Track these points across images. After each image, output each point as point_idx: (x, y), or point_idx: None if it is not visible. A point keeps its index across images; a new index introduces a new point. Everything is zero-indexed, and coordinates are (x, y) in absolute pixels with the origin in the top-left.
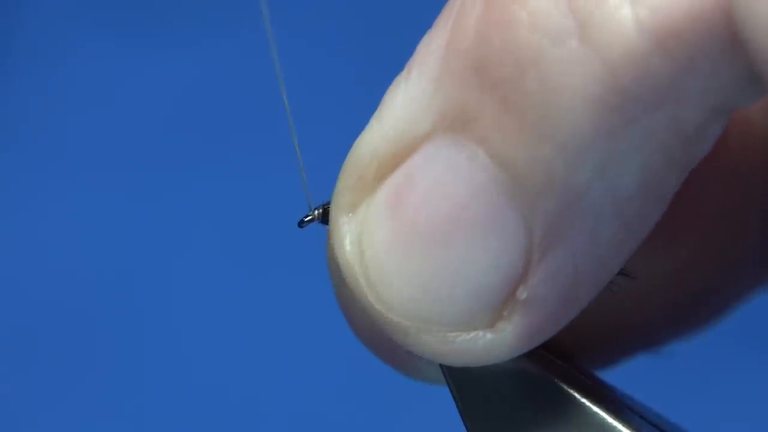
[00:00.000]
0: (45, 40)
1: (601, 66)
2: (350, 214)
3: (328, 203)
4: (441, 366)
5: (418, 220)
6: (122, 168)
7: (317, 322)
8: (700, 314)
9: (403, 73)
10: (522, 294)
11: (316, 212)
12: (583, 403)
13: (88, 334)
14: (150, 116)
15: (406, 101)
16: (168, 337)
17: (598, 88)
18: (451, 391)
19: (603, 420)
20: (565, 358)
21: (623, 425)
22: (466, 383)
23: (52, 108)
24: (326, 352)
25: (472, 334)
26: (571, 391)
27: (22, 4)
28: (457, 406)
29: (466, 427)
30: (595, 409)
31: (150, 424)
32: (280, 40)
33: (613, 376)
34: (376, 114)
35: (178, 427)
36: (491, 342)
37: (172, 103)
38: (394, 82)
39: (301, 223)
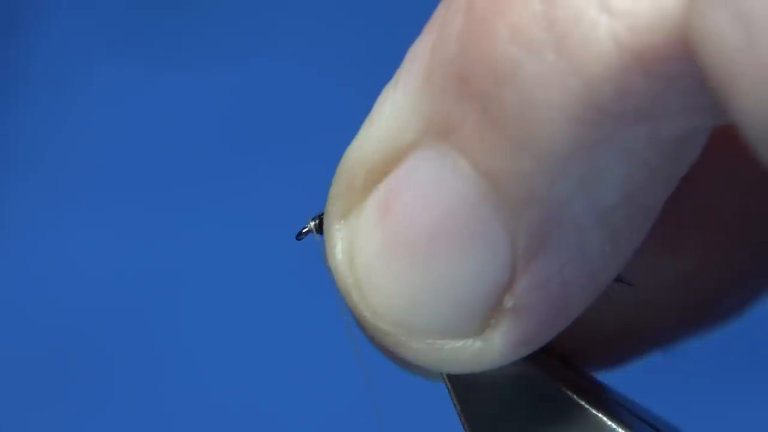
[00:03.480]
0: (60, 63)
1: (578, 81)
2: (342, 222)
3: (323, 213)
4: None
5: (404, 229)
6: (134, 186)
7: (328, 330)
8: (707, 318)
9: (391, 83)
10: (508, 302)
11: (312, 223)
12: (582, 406)
13: (95, 345)
14: (162, 136)
15: (393, 111)
16: (178, 349)
17: (575, 103)
18: (450, 393)
19: (602, 422)
20: (564, 361)
21: (622, 428)
22: (465, 386)
23: (67, 130)
24: (333, 358)
25: (461, 342)
26: (570, 394)
27: (36, 25)
28: (456, 409)
29: (465, 430)
30: (594, 411)
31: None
32: (285, 45)
33: (611, 376)
34: (365, 123)
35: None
36: (480, 350)
37: (188, 123)
38: (383, 92)
39: (299, 235)
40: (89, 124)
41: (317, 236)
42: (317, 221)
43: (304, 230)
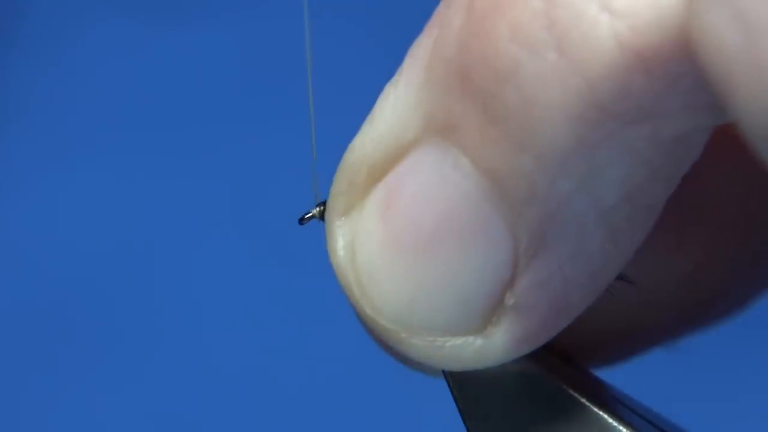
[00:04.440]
0: (55, 19)
1: (578, 81)
2: (343, 218)
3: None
4: None
5: (406, 226)
6: (134, 149)
7: (331, 313)
8: (709, 316)
9: (393, 80)
10: (510, 300)
11: (316, 210)
12: (583, 404)
13: (102, 322)
14: (164, 96)
15: (395, 107)
16: (183, 324)
17: (576, 102)
18: (451, 391)
19: (602, 420)
20: (565, 358)
21: (623, 425)
22: (466, 383)
23: (64, 87)
24: (335, 343)
25: (462, 339)
26: (572, 392)
27: None
28: (457, 406)
29: (466, 427)
30: (595, 408)
31: (161, 410)
32: (292, 36)
33: (612, 374)
34: (368, 119)
35: (188, 414)
36: (482, 347)
37: (188, 83)
38: (385, 89)
39: (302, 220)
40: (85, 82)
41: (320, 222)
42: (321, 208)
43: (307, 215)
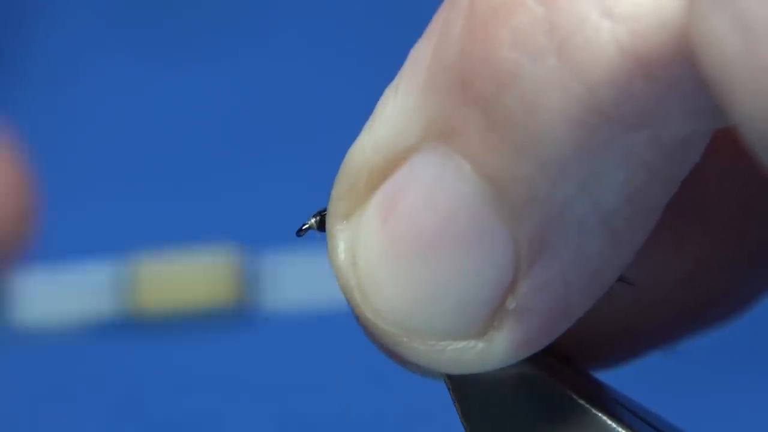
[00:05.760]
0: (60, 56)
1: (579, 86)
2: (344, 223)
3: (325, 210)
4: None
5: (407, 231)
6: (138, 184)
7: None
8: (709, 318)
9: (393, 85)
10: (511, 304)
11: (313, 220)
12: (583, 406)
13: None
14: (168, 133)
15: (395, 113)
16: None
17: (576, 107)
18: (450, 394)
19: (603, 422)
20: (565, 361)
21: (623, 427)
22: (466, 385)
23: (68, 124)
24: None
25: (463, 343)
26: (571, 394)
27: (37, 16)
28: (456, 408)
29: (465, 429)
30: (595, 411)
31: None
32: (292, 42)
33: (612, 376)
34: (368, 123)
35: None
36: (482, 351)
37: (191, 120)
38: (384, 94)
39: (299, 232)
40: (94, 122)
41: (318, 233)
42: (318, 218)
43: (304, 227)
